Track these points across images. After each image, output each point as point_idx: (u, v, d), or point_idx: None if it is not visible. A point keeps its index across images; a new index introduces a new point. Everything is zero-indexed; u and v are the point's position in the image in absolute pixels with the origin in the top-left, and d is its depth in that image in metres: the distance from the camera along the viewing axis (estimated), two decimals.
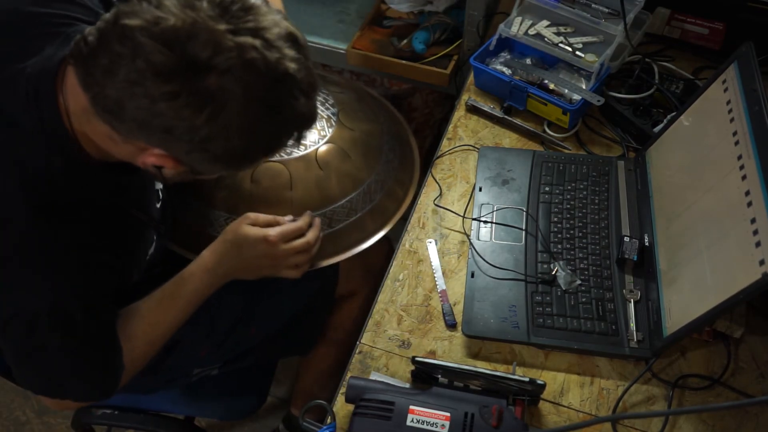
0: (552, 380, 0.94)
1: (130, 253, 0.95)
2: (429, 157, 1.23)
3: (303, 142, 1.09)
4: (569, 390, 0.93)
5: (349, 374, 0.94)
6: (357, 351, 0.97)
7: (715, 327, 0.95)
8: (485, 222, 1.09)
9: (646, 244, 1.03)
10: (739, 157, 0.87)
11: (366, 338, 0.98)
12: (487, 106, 1.25)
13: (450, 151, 1.21)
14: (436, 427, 0.81)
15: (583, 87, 1.20)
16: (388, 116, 1.31)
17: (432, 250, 1.07)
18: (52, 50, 0.81)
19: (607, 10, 1.23)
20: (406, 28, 1.48)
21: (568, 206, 1.10)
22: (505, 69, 1.25)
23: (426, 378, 0.89)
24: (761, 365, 0.95)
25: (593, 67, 1.18)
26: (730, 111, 0.93)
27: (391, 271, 1.06)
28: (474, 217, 1.10)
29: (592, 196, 1.11)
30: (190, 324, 1.01)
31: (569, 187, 1.12)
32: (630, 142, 1.20)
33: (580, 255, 1.04)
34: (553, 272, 1.01)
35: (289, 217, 1.04)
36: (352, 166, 1.14)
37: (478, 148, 1.20)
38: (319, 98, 1.15)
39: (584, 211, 1.09)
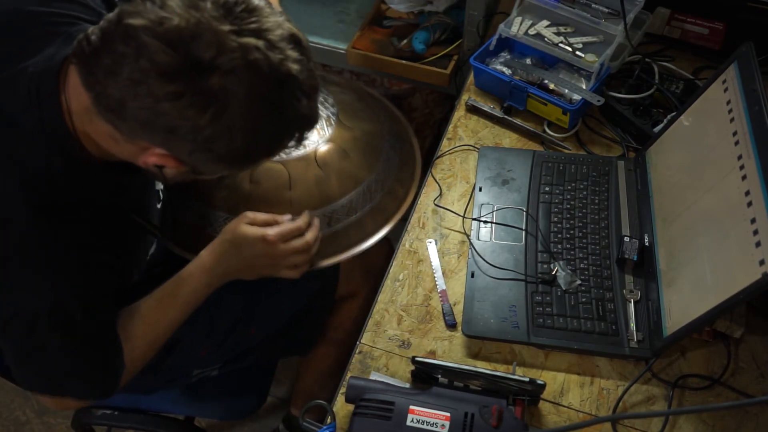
0: (552, 380, 0.94)
1: (131, 253, 0.95)
2: (429, 157, 1.23)
3: (303, 142, 1.09)
4: (569, 390, 0.93)
5: (349, 374, 0.94)
6: (357, 351, 0.97)
7: (715, 327, 0.95)
8: (485, 222, 1.09)
9: (646, 244, 1.03)
10: (739, 157, 0.87)
11: (366, 338, 0.98)
12: (487, 106, 1.25)
13: (450, 151, 1.21)
14: (436, 427, 0.81)
15: (583, 87, 1.20)
16: (388, 115, 1.31)
17: (432, 250, 1.07)
18: (54, 49, 0.81)
19: (607, 10, 1.23)
20: (406, 28, 1.48)
21: (568, 206, 1.10)
22: (505, 69, 1.25)
23: (426, 378, 0.89)
24: (761, 365, 0.95)
25: (593, 67, 1.18)
26: (730, 111, 0.93)
27: (391, 271, 1.06)
28: (474, 217, 1.10)
29: (592, 196, 1.11)
30: (189, 324, 1.01)
31: (569, 187, 1.13)
32: (630, 142, 1.20)
33: (580, 255, 1.04)
34: (553, 272, 1.01)
35: (287, 216, 1.04)
36: (352, 166, 1.14)
37: (478, 148, 1.20)
38: (320, 98, 1.15)
39: (584, 211, 1.09)
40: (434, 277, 1.04)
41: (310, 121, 0.80)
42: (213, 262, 1.00)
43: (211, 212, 1.10)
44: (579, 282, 1.01)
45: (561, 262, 1.03)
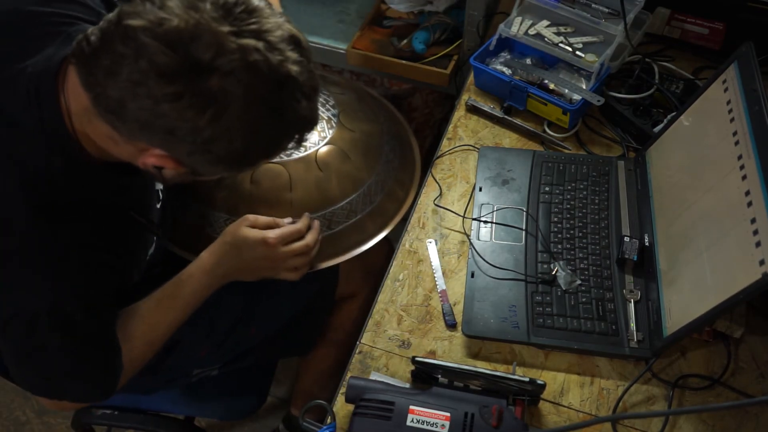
0: (552, 380, 0.94)
1: (131, 253, 0.95)
2: (429, 157, 1.23)
3: (303, 143, 1.09)
4: (569, 390, 0.93)
5: (349, 374, 0.94)
6: (357, 351, 0.97)
7: (715, 327, 0.95)
8: (485, 222, 1.09)
9: (646, 244, 1.03)
10: (739, 157, 0.87)
11: (366, 338, 0.98)
12: (487, 106, 1.25)
13: (450, 151, 1.21)
14: (436, 427, 0.81)
15: (583, 87, 1.20)
16: (388, 116, 1.31)
17: (432, 250, 1.07)
18: (53, 50, 0.81)
19: (607, 10, 1.23)
20: (406, 28, 1.48)
21: (568, 206, 1.10)
22: (505, 69, 1.25)
23: (426, 378, 0.90)
24: (761, 365, 0.95)
25: (593, 67, 1.18)
26: (730, 111, 0.93)
27: (391, 271, 1.06)
28: (474, 217, 1.10)
29: (592, 196, 1.11)
30: (189, 324, 1.01)
31: (569, 187, 1.13)
32: (630, 142, 1.20)
33: (580, 255, 1.04)
34: (553, 272, 1.01)
35: (288, 220, 1.04)
36: (352, 167, 1.14)
37: (478, 148, 1.20)
38: (320, 99, 1.15)
39: (584, 211, 1.09)
40: (434, 277, 1.04)
41: (309, 123, 0.80)
42: (213, 263, 1.00)
43: (210, 212, 1.10)
44: (579, 282, 1.01)
45: (561, 262, 1.03)
